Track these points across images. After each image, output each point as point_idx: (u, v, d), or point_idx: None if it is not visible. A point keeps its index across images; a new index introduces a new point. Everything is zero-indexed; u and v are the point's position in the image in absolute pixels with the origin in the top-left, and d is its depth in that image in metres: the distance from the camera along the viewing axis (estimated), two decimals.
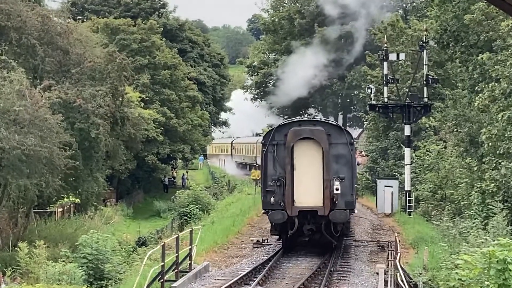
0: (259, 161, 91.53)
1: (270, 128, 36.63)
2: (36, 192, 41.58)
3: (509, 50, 33.14)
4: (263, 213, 34.09)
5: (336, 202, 31.01)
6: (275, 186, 31.45)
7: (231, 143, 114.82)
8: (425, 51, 48.80)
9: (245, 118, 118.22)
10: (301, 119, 35.79)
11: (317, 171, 31.38)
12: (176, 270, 26.84)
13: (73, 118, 48.19)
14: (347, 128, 47.01)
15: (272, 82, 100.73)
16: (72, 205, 53.00)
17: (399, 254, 27.30)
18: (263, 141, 32.44)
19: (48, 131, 41.92)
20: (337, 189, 30.64)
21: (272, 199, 31.41)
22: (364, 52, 78.43)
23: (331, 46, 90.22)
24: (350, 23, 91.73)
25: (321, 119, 41.20)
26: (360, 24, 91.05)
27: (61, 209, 51.74)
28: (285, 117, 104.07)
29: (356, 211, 34.85)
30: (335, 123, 36.77)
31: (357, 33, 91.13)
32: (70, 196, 50.96)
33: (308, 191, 31.49)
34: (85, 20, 78.84)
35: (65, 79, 49.70)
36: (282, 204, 31.28)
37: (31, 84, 45.47)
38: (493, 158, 34.11)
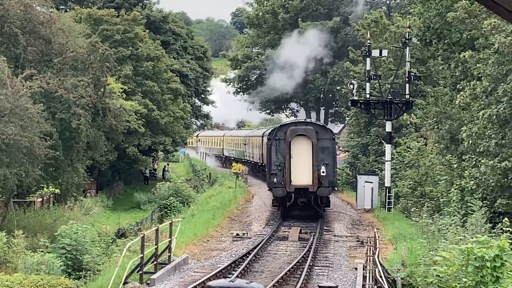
0: (225, 153, 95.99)
1: (273, 127, 47.32)
2: (15, 181, 41.39)
3: (491, 49, 33.29)
4: (268, 189, 45.06)
5: (322, 181, 41.50)
6: (277, 170, 41.78)
7: (197, 136, 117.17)
8: (407, 48, 48.91)
9: (227, 108, 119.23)
10: (296, 121, 50.26)
11: (308, 159, 41.83)
12: (155, 262, 26.84)
13: (54, 108, 48.00)
14: (329, 124, 58.53)
15: (255, 76, 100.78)
16: (51, 195, 52.79)
17: (378, 249, 27.38)
18: (268, 137, 43.46)
19: (29, 121, 41.74)
20: (323, 172, 41.36)
21: (275, 179, 41.87)
22: (347, 47, 78.53)
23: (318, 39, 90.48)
24: (333, 19, 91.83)
25: (311, 121, 53.91)
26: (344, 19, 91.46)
27: (40, 199, 51.53)
28: (267, 111, 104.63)
29: (336, 188, 46.49)
30: (321, 124, 49.25)
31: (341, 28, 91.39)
32: (50, 186, 50.75)
33: (301, 173, 41.90)
34: (68, 10, 78.51)
35: (47, 68, 49.49)
36: (282, 183, 41.68)
37: (12, 73, 45.25)
38: (473, 156, 34.29)
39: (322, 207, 42.97)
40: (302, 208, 43.15)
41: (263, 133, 62.54)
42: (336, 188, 45.51)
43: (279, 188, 41.77)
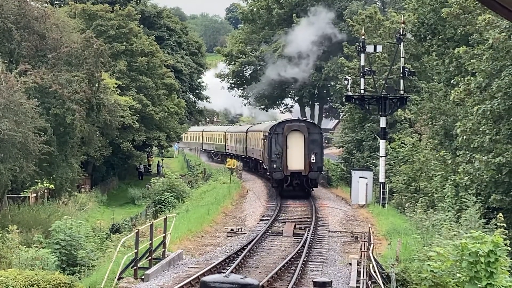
0: (204, 147, 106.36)
1: (273, 123, 56.49)
2: (10, 177, 41.33)
3: (486, 44, 33.33)
4: (268, 174, 55.86)
5: (312, 167, 51.26)
6: (276, 158, 51.61)
7: None
8: (402, 43, 48.91)
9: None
10: (292, 119, 60.84)
11: (301, 149, 51.46)
12: (150, 258, 26.84)
13: (48, 103, 47.94)
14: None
15: (249, 72, 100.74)
16: (46, 191, 52.73)
17: (372, 245, 27.39)
18: (269, 131, 53.03)
19: (23, 116, 41.69)
20: (313, 160, 51.19)
21: (274, 165, 51.72)
22: (341, 43, 78.49)
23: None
24: (327, 14, 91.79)
25: (304, 119, 67.06)
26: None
27: (34, 195, 51.47)
28: (261, 106, 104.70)
29: (323, 172, 57.76)
30: (311, 121, 62.74)
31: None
32: (44, 182, 50.68)
33: (296, 160, 51.48)
34: (62, 5, 78.32)
35: (41, 64, 49.42)
36: (281, 168, 51.51)
37: (6, 68, 45.22)
38: (467, 152, 34.35)
39: (311, 187, 52.76)
40: (295, 189, 52.42)
41: (247, 129, 75.53)
42: (323, 172, 56.86)
43: (278, 172, 51.65)
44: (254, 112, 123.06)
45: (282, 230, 36.74)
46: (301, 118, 65.34)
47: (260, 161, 65.31)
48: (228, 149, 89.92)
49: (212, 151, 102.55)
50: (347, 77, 53.05)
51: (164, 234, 28.78)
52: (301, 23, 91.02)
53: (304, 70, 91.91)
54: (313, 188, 53.54)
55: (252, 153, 70.73)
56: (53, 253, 31.99)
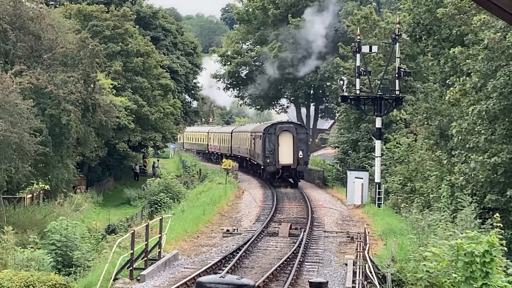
0: (186, 146, 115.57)
1: (267, 125, 64.48)
2: (5, 177, 41.29)
3: (481, 45, 33.36)
4: (262, 167, 63.40)
5: (300, 161, 60.09)
6: (270, 154, 60.40)
7: None
8: (397, 44, 48.89)
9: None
10: (282, 120, 70.18)
11: (290, 146, 60.05)
12: (145, 258, 26.81)
13: (44, 104, 47.90)
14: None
15: (245, 72, 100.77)
16: (41, 192, 52.63)
17: (368, 245, 27.38)
18: (263, 131, 61.44)
19: (19, 117, 41.67)
20: (300, 155, 60.00)
21: (268, 160, 60.58)
22: (337, 43, 78.51)
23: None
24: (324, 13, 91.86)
25: (292, 121, 74.71)
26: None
27: (30, 195, 51.36)
28: (257, 107, 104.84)
29: (308, 166, 65.68)
30: (299, 123, 71.67)
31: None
32: (40, 182, 50.62)
33: (286, 156, 60.08)
34: (57, 5, 78.23)
35: (37, 64, 49.40)
36: (273, 162, 60.38)
37: (2, 69, 45.18)
38: (463, 152, 34.38)
39: (299, 178, 61.50)
40: (284, 180, 60.95)
41: (232, 130, 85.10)
42: (308, 166, 65.18)
43: (271, 166, 60.45)
44: (259, 112, 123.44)
45: (278, 231, 36.73)
46: (290, 120, 74.92)
47: (247, 158, 74.58)
48: (210, 148, 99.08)
49: (194, 150, 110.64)
50: (342, 77, 53.08)
51: (159, 235, 28.76)
52: (306, 15, 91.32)
53: (320, 57, 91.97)
54: (300, 179, 61.94)
55: (238, 152, 79.73)
56: (49, 254, 31.96)
